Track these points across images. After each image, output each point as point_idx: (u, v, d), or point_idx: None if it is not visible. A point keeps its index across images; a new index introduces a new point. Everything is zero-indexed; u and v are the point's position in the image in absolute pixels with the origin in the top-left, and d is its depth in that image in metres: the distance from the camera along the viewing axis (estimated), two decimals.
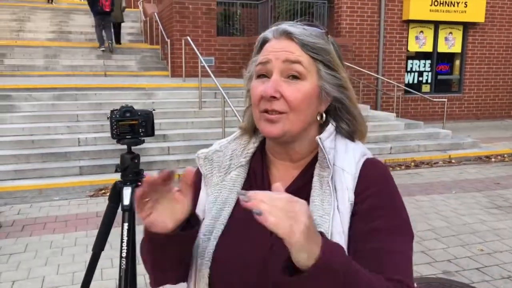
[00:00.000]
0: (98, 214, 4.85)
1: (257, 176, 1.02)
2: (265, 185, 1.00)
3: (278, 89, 0.91)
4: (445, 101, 10.37)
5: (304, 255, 0.72)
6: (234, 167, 1.05)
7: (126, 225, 1.89)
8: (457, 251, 3.92)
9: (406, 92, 11.63)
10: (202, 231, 1.00)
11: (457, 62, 12.85)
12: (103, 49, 12.19)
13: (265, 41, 0.99)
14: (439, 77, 12.75)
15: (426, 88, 12.62)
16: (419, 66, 12.51)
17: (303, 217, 0.72)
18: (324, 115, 0.99)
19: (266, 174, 1.02)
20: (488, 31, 12.73)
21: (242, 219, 0.98)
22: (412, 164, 7.37)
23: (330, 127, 0.98)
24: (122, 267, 1.81)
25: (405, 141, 8.25)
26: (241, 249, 0.96)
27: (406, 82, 12.35)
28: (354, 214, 0.92)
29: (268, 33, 0.99)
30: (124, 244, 1.83)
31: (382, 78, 11.35)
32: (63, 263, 3.69)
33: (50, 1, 17.27)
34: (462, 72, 12.84)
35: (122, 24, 13.84)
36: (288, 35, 0.94)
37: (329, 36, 0.99)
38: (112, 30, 12.46)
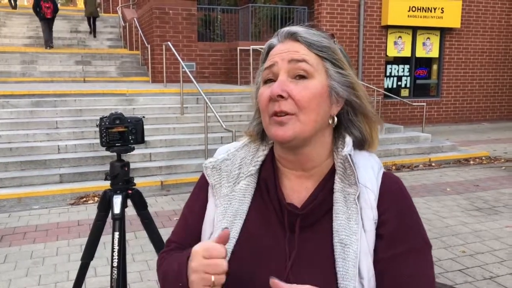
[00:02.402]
0: (79, 223, 4.77)
1: (269, 186, 0.97)
2: (278, 196, 0.95)
3: (285, 89, 0.88)
4: (424, 105, 10.54)
5: None
6: (244, 176, 1.00)
7: (116, 234, 1.84)
8: (440, 253, 3.97)
9: (386, 96, 11.79)
10: None
11: (435, 67, 13.09)
12: (49, 48, 13.16)
13: (270, 48, 0.96)
14: (418, 81, 12.96)
15: (405, 92, 12.81)
16: (398, 71, 12.69)
17: None
18: (335, 119, 0.95)
19: (279, 185, 0.97)
20: (464, 36, 13.01)
21: (255, 233, 0.95)
22: (393, 167, 7.46)
23: (349, 140, 0.95)
24: (114, 277, 1.76)
25: (385, 145, 8.35)
26: (256, 266, 0.91)
27: (386, 86, 12.52)
28: (377, 237, 0.91)
29: (273, 39, 0.97)
30: (115, 253, 1.79)
31: (362, 82, 11.38)
32: (44, 273, 3.60)
33: (13, 6, 16.96)
34: (440, 76, 13.08)
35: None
36: (292, 35, 0.93)
37: (335, 40, 0.97)
38: (52, 32, 13.46)
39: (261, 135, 1.02)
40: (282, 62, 0.90)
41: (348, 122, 0.98)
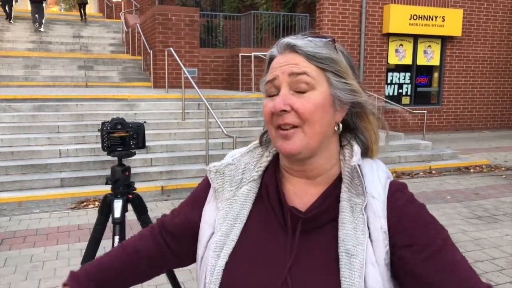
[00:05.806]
0: (80, 227, 4.77)
1: (270, 191, 0.97)
2: (280, 200, 0.96)
3: (288, 102, 0.88)
4: (424, 113, 10.56)
5: None
6: (246, 181, 1.01)
7: (117, 238, 1.85)
8: None
9: (387, 104, 11.82)
10: (211, 247, 0.96)
11: (436, 75, 13.12)
12: (38, 31, 14.40)
13: (272, 59, 0.96)
14: (419, 89, 12.99)
15: (406, 100, 12.84)
16: (399, 79, 12.73)
17: None
18: (341, 126, 0.95)
19: (281, 189, 0.97)
20: (465, 44, 13.06)
21: (254, 236, 0.95)
22: (394, 175, 7.46)
23: (357, 150, 0.95)
24: None
25: (386, 153, 8.34)
26: (255, 268, 0.92)
27: (387, 94, 12.54)
28: (395, 246, 0.89)
29: (273, 50, 0.96)
30: None
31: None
32: (44, 277, 3.60)
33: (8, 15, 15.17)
34: (440, 84, 13.11)
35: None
36: (292, 48, 0.92)
37: (336, 44, 0.95)
38: (45, 15, 14.94)
39: (266, 142, 1.04)
40: (282, 75, 0.90)
41: (354, 126, 0.98)
